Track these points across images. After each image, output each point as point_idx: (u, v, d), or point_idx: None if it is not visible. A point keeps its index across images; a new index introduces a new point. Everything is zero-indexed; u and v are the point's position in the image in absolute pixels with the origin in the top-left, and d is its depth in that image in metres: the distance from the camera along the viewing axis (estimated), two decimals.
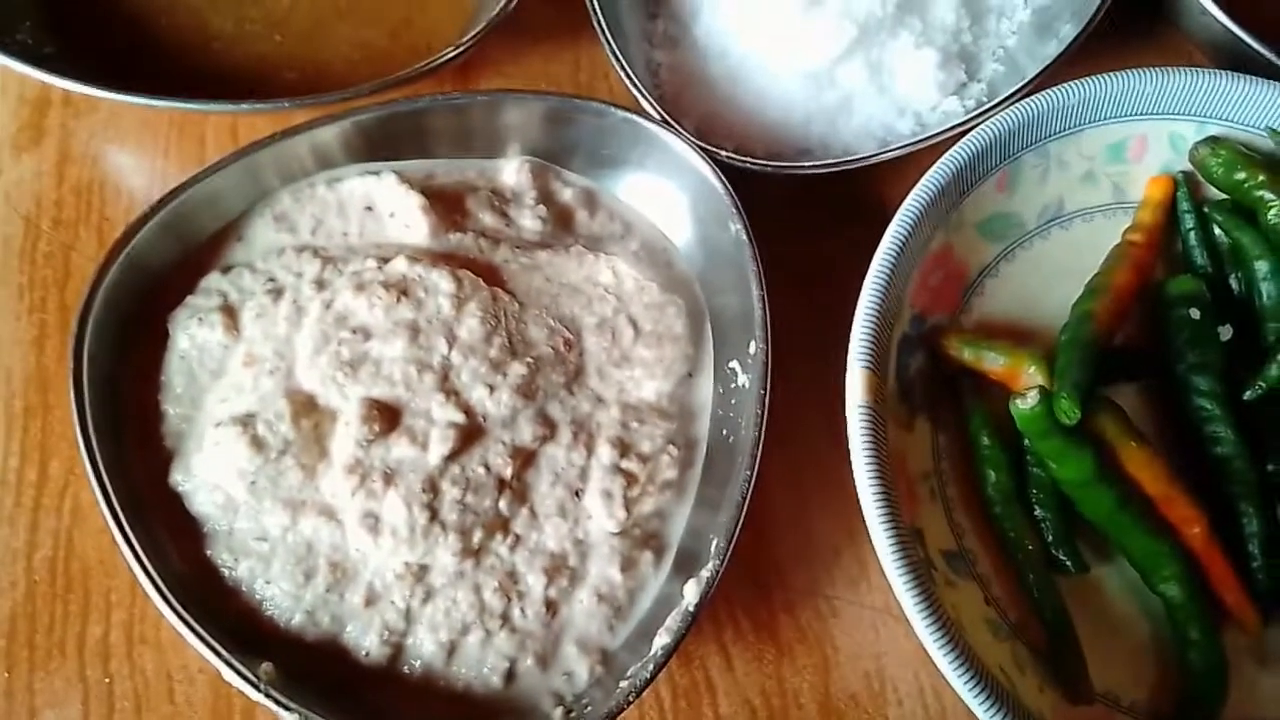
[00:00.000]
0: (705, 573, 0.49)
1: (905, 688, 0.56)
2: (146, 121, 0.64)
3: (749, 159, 0.57)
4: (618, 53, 0.58)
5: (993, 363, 0.56)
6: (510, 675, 0.51)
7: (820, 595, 0.58)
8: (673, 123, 0.57)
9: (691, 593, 0.49)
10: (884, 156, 0.58)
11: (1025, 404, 0.52)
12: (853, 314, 0.55)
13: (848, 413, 0.52)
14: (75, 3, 0.63)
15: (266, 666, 0.47)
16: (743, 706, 0.56)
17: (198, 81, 0.62)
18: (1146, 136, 0.61)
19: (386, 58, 0.63)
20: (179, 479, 0.51)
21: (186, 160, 0.64)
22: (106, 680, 0.54)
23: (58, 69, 0.57)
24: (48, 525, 0.56)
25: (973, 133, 0.56)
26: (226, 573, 0.50)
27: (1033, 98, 0.57)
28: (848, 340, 0.55)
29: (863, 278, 0.55)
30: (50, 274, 0.61)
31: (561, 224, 0.59)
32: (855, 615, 0.58)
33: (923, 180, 0.55)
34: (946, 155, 0.56)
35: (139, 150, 0.64)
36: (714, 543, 0.50)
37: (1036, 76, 0.59)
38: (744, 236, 0.55)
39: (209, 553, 0.51)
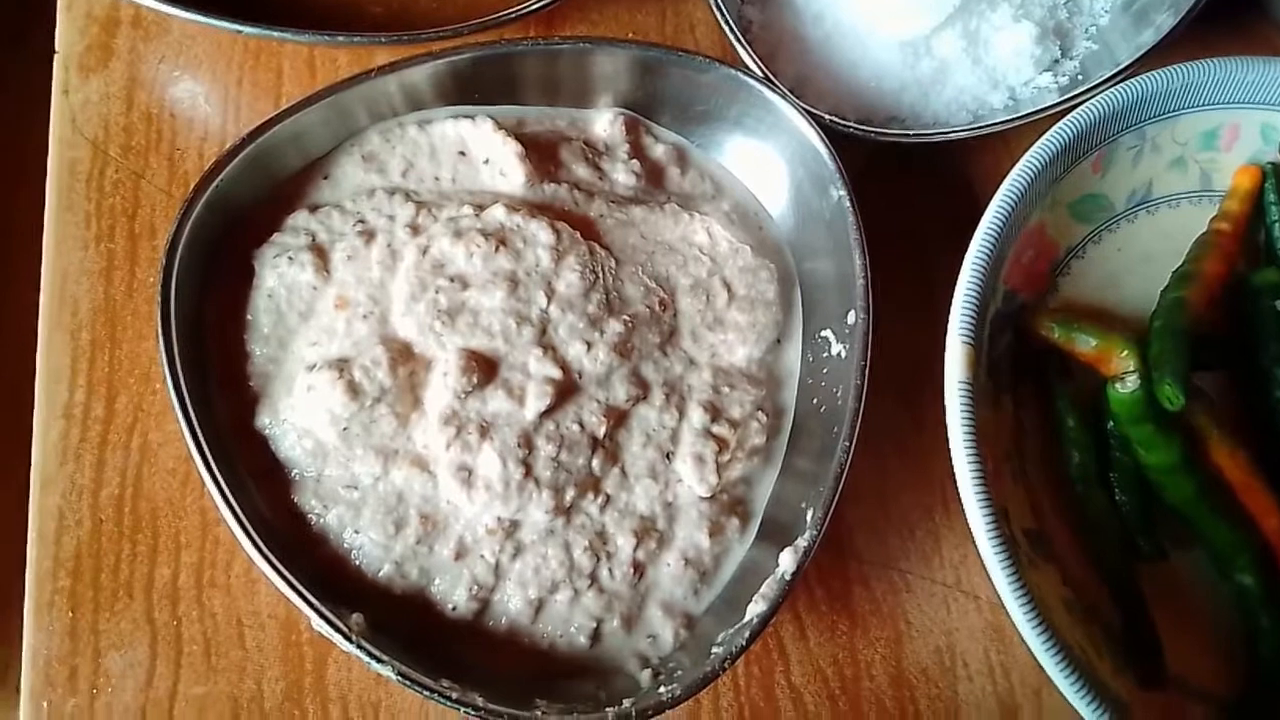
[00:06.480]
0: (802, 542, 0.49)
1: (975, 664, 0.57)
2: (220, 48, 0.61)
3: (854, 124, 0.56)
4: (724, 8, 0.56)
5: (1084, 345, 0.55)
6: (596, 635, 0.50)
7: (895, 568, 0.58)
8: (776, 83, 0.56)
9: (788, 561, 0.49)
10: (988, 130, 0.57)
11: (1124, 388, 0.52)
12: (934, 284, 0.54)
13: (946, 389, 0.51)
14: None
15: (357, 617, 0.46)
16: (815, 676, 0.56)
17: (276, 7, 0.59)
18: (1239, 125, 0.60)
19: None
20: (266, 422, 0.50)
21: (261, 91, 0.61)
22: (174, 623, 0.53)
23: None
24: (115, 463, 0.54)
25: (1079, 109, 0.55)
26: (314, 520, 0.49)
27: (1139, 78, 0.57)
28: (928, 311, 0.54)
29: (947, 249, 0.54)
30: (119, 202, 0.58)
31: (652, 180, 0.58)
32: (928, 590, 0.58)
33: (1028, 155, 0.54)
34: (1053, 130, 0.55)
35: (211, 78, 0.61)
36: (809, 513, 0.50)
37: (1134, 62, 0.59)
38: (847, 204, 0.53)
39: (295, 499, 0.49)
